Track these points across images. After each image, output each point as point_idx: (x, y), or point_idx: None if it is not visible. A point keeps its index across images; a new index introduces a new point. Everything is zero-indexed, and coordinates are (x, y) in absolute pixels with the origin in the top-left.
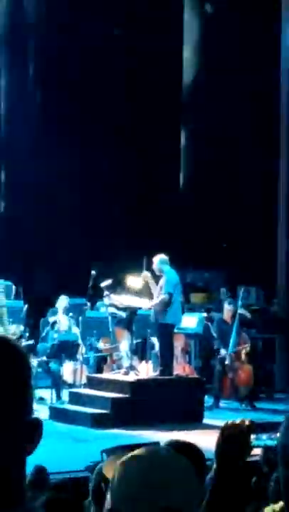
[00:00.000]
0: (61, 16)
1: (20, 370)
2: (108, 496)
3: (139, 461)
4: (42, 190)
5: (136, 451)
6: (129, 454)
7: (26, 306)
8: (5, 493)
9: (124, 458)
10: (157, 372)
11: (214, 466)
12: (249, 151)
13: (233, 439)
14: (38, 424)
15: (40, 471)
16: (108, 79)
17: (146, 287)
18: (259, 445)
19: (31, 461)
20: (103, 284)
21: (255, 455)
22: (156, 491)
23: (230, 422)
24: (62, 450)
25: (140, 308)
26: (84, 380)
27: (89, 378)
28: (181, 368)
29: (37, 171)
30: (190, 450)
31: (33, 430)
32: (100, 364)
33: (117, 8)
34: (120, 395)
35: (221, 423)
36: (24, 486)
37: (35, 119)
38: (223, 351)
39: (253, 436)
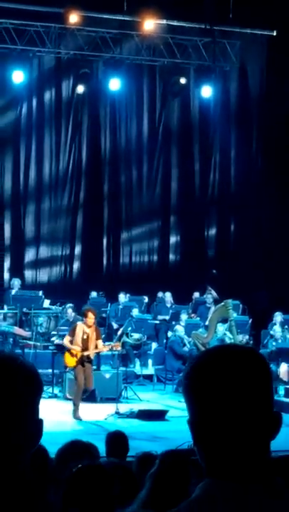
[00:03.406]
0: (280, 93)
1: (268, 376)
2: None
3: None
4: (260, 230)
5: None
6: None
7: (250, 320)
8: (265, 469)
9: None
10: None
11: None
12: None
13: None
14: (279, 416)
15: None
16: None
17: None
18: None
19: None
20: None
21: None
22: None
23: None
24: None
25: None
26: None
27: None
28: None
29: (258, 218)
30: None
31: (277, 421)
32: None
33: None
34: None
35: None
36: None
37: (256, 179)
38: None
39: None
